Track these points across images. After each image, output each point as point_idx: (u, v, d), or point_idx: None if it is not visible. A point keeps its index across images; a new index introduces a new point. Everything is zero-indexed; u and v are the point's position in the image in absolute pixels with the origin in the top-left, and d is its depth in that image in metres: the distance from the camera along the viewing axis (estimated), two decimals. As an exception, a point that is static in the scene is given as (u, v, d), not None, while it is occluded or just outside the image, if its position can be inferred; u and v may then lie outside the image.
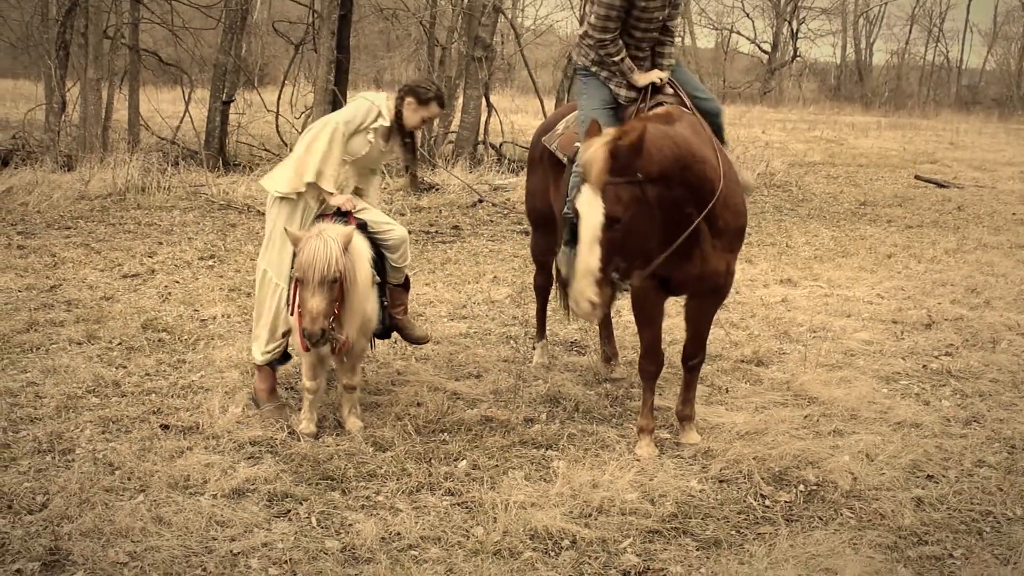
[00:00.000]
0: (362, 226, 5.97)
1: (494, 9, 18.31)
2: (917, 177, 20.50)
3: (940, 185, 19.52)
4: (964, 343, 8.20)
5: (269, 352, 6.14)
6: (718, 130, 6.09)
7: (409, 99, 6.12)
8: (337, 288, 5.37)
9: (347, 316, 5.55)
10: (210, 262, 10.19)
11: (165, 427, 5.82)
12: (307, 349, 5.61)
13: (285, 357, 6.32)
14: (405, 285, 6.51)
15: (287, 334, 6.05)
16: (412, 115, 6.15)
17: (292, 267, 5.64)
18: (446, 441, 5.80)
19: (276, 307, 6.04)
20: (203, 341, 7.50)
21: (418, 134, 6.58)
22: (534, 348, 7.52)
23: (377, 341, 6.62)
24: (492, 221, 13.57)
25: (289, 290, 5.75)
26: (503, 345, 7.79)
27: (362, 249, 5.71)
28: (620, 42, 6.08)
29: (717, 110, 6.25)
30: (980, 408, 6.62)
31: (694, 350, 6.01)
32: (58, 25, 16.87)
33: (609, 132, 5.02)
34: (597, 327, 7.57)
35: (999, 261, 11.71)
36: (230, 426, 5.84)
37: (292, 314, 5.63)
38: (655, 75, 6.08)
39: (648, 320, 5.87)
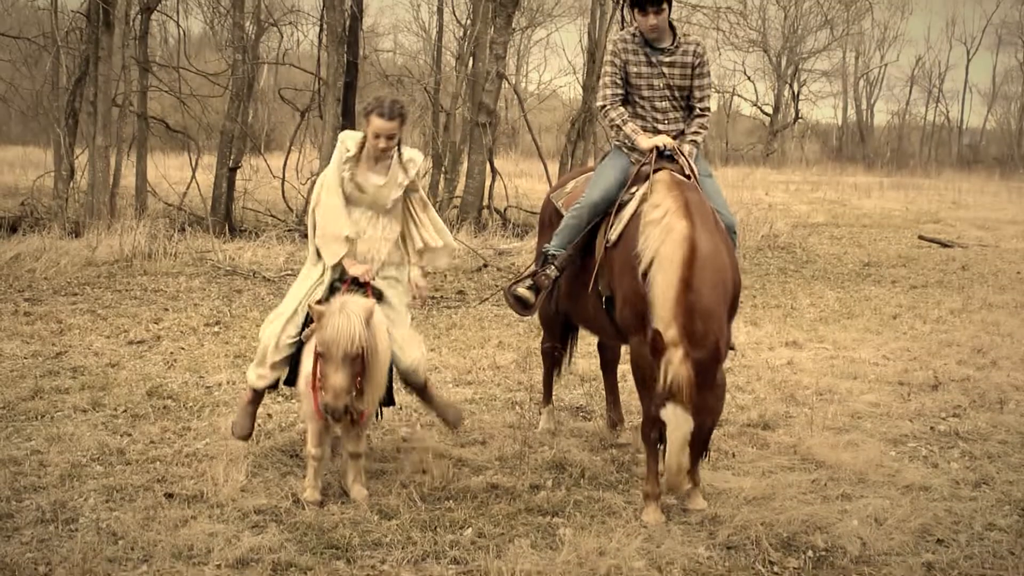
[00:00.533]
0: (378, 296, 5.96)
1: (497, 75, 18.51)
2: (921, 237, 20.56)
3: (944, 245, 19.57)
4: (971, 404, 8.16)
5: (257, 378, 6.16)
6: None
7: (364, 120, 5.97)
8: (359, 362, 5.36)
9: (368, 389, 5.55)
10: (216, 328, 10.21)
11: (169, 496, 5.79)
12: (324, 420, 5.59)
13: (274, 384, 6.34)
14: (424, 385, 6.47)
15: (278, 367, 6.09)
16: (369, 137, 5.92)
17: (303, 324, 5.84)
18: (452, 509, 5.76)
19: (272, 332, 6.04)
20: (208, 408, 7.49)
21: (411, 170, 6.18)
22: (540, 413, 7.49)
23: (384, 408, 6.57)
24: (497, 286, 13.59)
25: (308, 361, 5.70)
26: (508, 411, 7.77)
27: (381, 319, 5.67)
28: (621, 108, 6.35)
29: (733, 225, 6.35)
30: (989, 470, 6.57)
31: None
32: (68, 93, 17.08)
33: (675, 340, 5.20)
34: (603, 392, 7.56)
35: (1005, 320, 11.69)
36: (235, 494, 5.80)
37: (313, 388, 5.58)
38: (660, 139, 6.23)
39: (647, 386, 5.76)
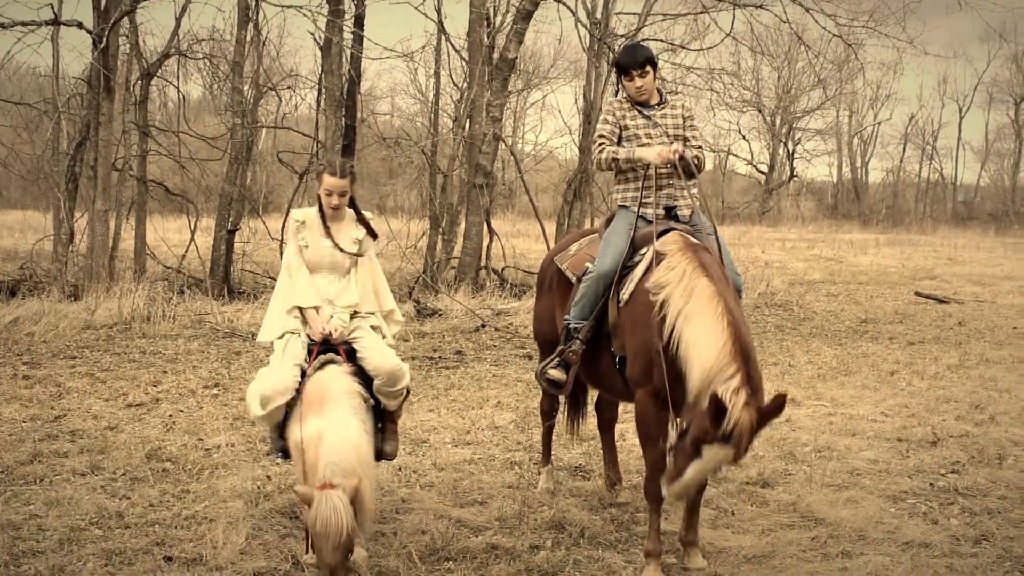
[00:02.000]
0: (350, 354, 6.03)
1: (494, 137, 18.70)
2: (917, 293, 20.64)
3: (940, 301, 19.64)
4: (970, 460, 8.17)
5: (259, 418, 6.07)
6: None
7: (317, 181, 6.28)
8: (350, 541, 5.14)
9: (362, 520, 5.33)
10: (214, 390, 10.22)
11: (169, 559, 5.78)
12: None
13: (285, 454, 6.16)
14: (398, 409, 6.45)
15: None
16: (322, 195, 6.18)
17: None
18: (451, 570, 5.75)
19: (254, 396, 5.97)
20: (207, 471, 7.48)
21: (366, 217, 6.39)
22: (539, 473, 7.50)
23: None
24: (495, 346, 13.63)
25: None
26: (507, 471, 7.76)
27: (367, 453, 5.51)
28: (611, 147, 6.57)
29: (739, 286, 6.41)
30: (989, 526, 6.56)
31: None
32: (68, 158, 17.22)
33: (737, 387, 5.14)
34: (601, 451, 7.57)
35: (1002, 376, 11.72)
36: (234, 557, 5.79)
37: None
38: (658, 149, 6.36)
39: (652, 441, 5.88)
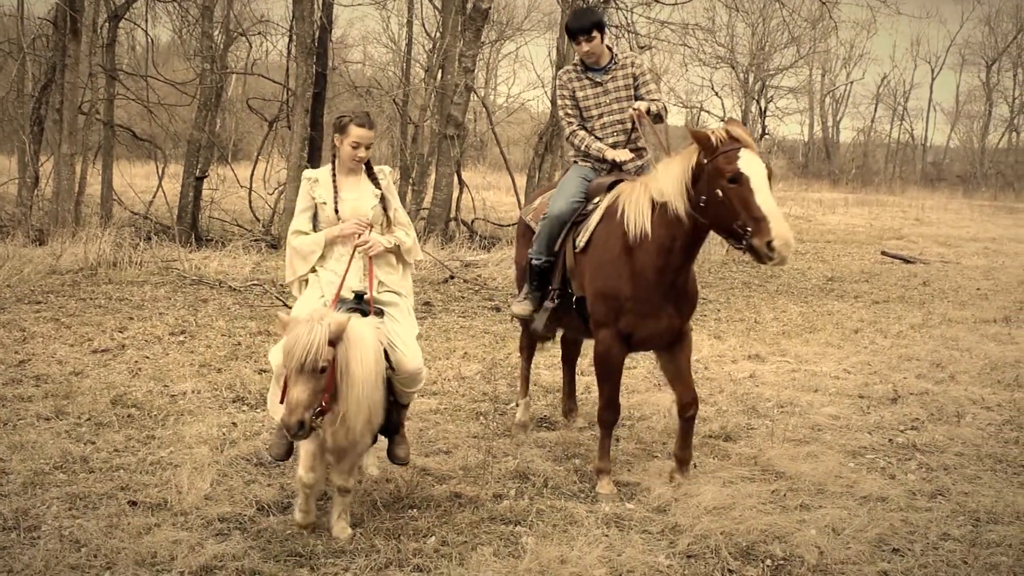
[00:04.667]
0: (379, 313, 5.74)
1: (466, 88, 18.60)
2: (884, 253, 20.81)
3: (906, 261, 19.81)
4: (929, 417, 8.29)
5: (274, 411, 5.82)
6: None
7: (336, 136, 5.96)
8: (326, 379, 5.03)
9: (344, 411, 5.19)
10: (181, 337, 10.18)
11: (133, 504, 5.79)
12: (310, 442, 5.34)
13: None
14: (406, 405, 6.19)
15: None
16: (341, 148, 5.92)
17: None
18: (415, 517, 5.80)
19: (277, 362, 5.70)
20: (173, 417, 7.48)
21: (385, 183, 6.09)
22: (517, 405, 7.82)
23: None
24: (463, 297, 13.65)
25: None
26: (473, 421, 7.81)
27: (367, 338, 5.27)
28: (583, 132, 7.01)
29: None
30: (945, 481, 6.68)
31: (688, 400, 6.40)
32: (33, 101, 17.01)
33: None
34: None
35: (964, 336, 11.87)
36: (199, 502, 5.80)
37: (282, 401, 5.31)
38: (622, 153, 6.83)
39: (609, 375, 6.37)
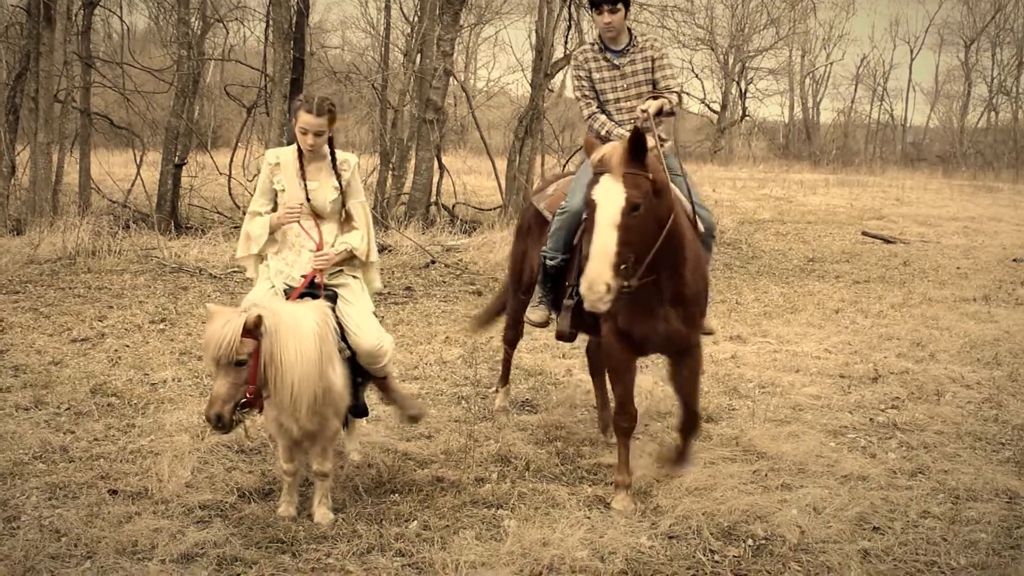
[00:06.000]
0: (331, 297, 5.65)
1: (445, 72, 18.52)
2: (864, 233, 20.86)
3: (886, 241, 19.87)
4: (910, 396, 8.33)
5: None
6: (705, 243, 6.38)
7: (293, 118, 5.78)
8: (248, 372, 4.95)
9: (281, 399, 5.13)
10: (161, 326, 10.13)
11: (113, 492, 5.77)
12: (287, 434, 5.37)
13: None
14: (385, 376, 6.10)
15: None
16: (297, 133, 5.71)
17: None
18: (397, 502, 5.80)
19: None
20: (153, 405, 7.45)
21: (348, 175, 5.85)
22: (496, 391, 7.81)
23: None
24: (444, 282, 13.63)
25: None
26: (454, 405, 7.81)
27: (303, 325, 5.16)
28: (603, 117, 6.71)
29: (711, 224, 6.57)
30: (925, 460, 6.72)
31: (688, 423, 6.28)
32: (8, 89, 16.85)
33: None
34: (548, 387, 7.64)
35: (943, 315, 11.93)
36: (179, 490, 5.79)
37: (252, 401, 5.18)
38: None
39: (618, 376, 6.06)
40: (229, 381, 4.92)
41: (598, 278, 5.10)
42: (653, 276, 5.54)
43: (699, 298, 6.01)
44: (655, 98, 6.41)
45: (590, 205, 5.34)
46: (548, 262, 6.54)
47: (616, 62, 6.69)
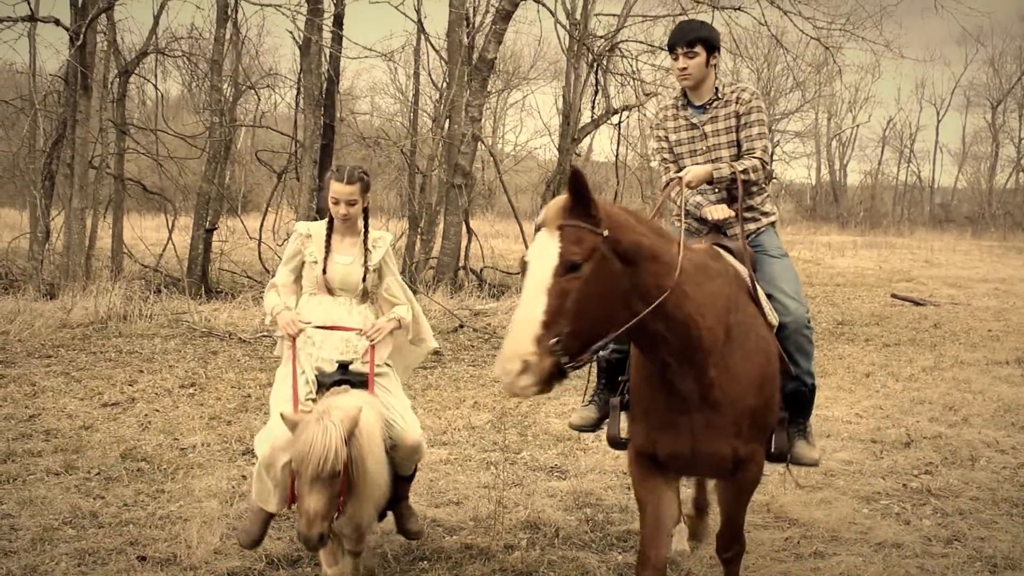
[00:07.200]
0: (362, 384, 5.31)
1: (473, 137, 18.71)
2: (893, 295, 20.76)
3: (916, 303, 19.75)
4: (943, 461, 8.23)
5: (258, 497, 5.40)
6: (792, 356, 5.16)
7: (325, 188, 5.53)
8: (340, 481, 4.60)
9: (357, 508, 4.87)
10: (191, 390, 10.18)
11: (142, 559, 5.76)
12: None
13: None
14: (410, 476, 5.82)
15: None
16: (329, 204, 5.49)
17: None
18: (426, 570, 5.76)
19: (263, 453, 5.24)
20: (182, 470, 7.46)
21: (376, 248, 5.62)
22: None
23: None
24: (473, 346, 13.64)
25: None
26: (483, 471, 7.77)
27: (374, 425, 4.95)
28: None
29: (792, 319, 5.18)
30: (961, 527, 6.62)
31: (725, 540, 5.12)
32: (45, 156, 17.14)
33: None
34: (576, 452, 7.58)
35: (976, 378, 11.81)
36: (208, 557, 5.78)
37: (289, 506, 5.00)
38: (717, 210, 5.33)
39: (640, 504, 4.81)
40: (325, 496, 4.52)
41: (512, 354, 3.72)
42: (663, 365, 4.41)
43: (746, 407, 4.58)
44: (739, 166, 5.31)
45: (521, 267, 4.07)
46: (601, 352, 4.51)
47: (695, 120, 5.48)
